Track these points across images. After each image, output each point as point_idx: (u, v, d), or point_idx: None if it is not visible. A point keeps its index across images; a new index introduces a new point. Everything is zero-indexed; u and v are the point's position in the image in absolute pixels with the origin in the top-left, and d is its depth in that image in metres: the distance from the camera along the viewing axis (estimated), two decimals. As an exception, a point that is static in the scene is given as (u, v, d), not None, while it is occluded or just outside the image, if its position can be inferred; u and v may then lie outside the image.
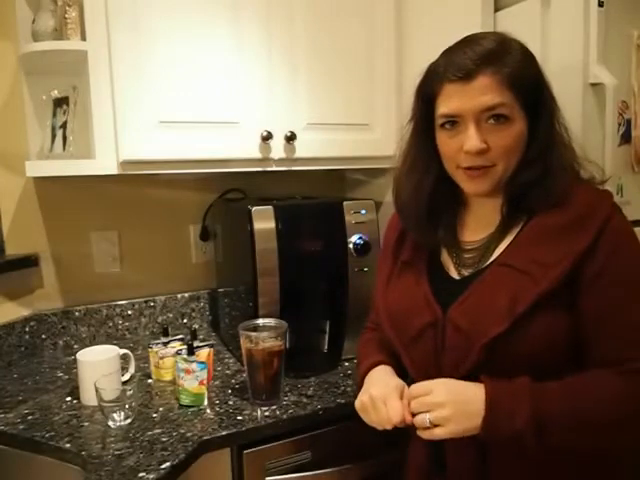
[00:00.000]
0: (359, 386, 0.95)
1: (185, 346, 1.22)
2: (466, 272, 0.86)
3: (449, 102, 0.80)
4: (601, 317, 0.76)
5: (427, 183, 0.89)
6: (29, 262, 1.45)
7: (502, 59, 0.78)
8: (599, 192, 0.81)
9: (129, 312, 1.60)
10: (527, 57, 0.81)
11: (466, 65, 0.78)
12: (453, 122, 0.81)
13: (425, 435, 0.77)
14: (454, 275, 0.88)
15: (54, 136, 1.34)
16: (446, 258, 0.91)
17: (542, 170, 0.80)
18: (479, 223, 0.89)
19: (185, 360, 1.13)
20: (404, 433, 0.96)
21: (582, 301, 0.76)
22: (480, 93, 0.77)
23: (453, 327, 0.81)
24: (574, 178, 0.81)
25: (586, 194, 0.79)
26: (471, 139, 0.78)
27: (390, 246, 0.98)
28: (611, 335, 0.76)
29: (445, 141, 0.84)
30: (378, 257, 1.07)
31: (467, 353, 0.78)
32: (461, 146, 0.80)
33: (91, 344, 1.31)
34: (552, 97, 0.83)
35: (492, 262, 0.83)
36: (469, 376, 0.78)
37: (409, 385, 0.85)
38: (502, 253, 0.83)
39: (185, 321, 1.67)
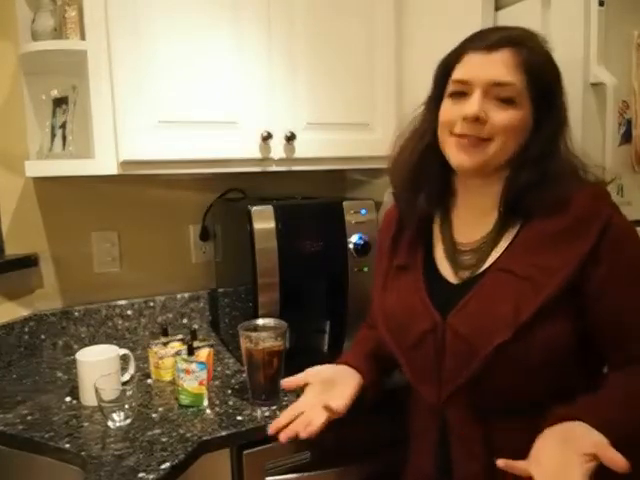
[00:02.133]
0: None
1: (185, 346, 1.22)
2: (463, 275, 0.85)
3: (465, 68, 0.82)
4: (621, 318, 0.76)
5: (419, 148, 0.90)
6: (29, 262, 1.45)
7: (527, 44, 0.80)
8: (597, 193, 0.80)
9: (129, 312, 1.59)
10: (549, 56, 0.83)
11: (491, 38, 0.80)
12: (462, 93, 0.82)
13: None
14: (451, 279, 0.87)
15: (54, 136, 1.33)
16: (441, 260, 0.90)
17: (540, 175, 0.79)
18: (475, 223, 0.88)
19: (185, 360, 1.13)
20: (404, 434, 0.96)
21: (596, 305, 0.76)
22: (496, 66, 0.79)
23: (453, 333, 0.80)
24: (573, 182, 0.80)
25: (584, 197, 0.78)
26: (472, 105, 0.79)
27: (384, 250, 0.98)
28: (635, 335, 0.76)
29: (448, 108, 0.84)
30: (375, 260, 1.07)
31: (469, 360, 0.78)
32: (460, 114, 0.80)
33: (91, 344, 1.31)
34: (563, 105, 0.83)
35: (490, 266, 0.82)
36: (469, 382, 0.78)
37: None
38: (500, 257, 0.82)
39: (185, 321, 1.67)
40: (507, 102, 0.79)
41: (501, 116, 0.79)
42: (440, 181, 0.90)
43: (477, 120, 0.79)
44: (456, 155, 0.83)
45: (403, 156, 0.93)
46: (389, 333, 0.90)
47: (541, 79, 0.80)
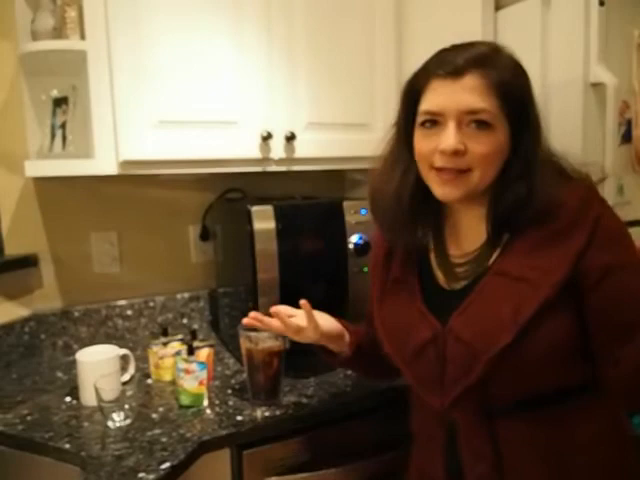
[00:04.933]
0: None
1: (185, 346, 1.22)
2: (458, 286, 0.85)
3: (433, 98, 0.79)
4: (606, 317, 0.75)
5: (405, 185, 0.86)
6: (29, 262, 1.45)
7: (493, 64, 0.77)
8: (585, 194, 0.78)
9: (128, 312, 1.59)
10: (518, 69, 0.80)
11: (456, 62, 0.77)
12: (433, 122, 0.79)
13: None
14: (447, 287, 0.86)
15: (54, 136, 1.33)
16: (437, 271, 0.89)
17: (524, 191, 0.77)
18: (466, 236, 0.87)
19: (185, 360, 1.13)
20: (405, 434, 0.96)
21: (586, 303, 0.75)
22: (466, 93, 0.76)
23: (454, 339, 0.80)
24: (560, 185, 0.79)
25: (573, 199, 0.77)
26: (449, 138, 0.76)
27: (379, 263, 0.96)
28: (617, 334, 0.75)
29: (422, 140, 0.81)
30: (369, 271, 1.04)
31: (471, 366, 0.77)
32: (437, 146, 0.77)
33: (90, 344, 1.31)
34: (537, 116, 0.80)
35: (485, 271, 0.81)
36: (473, 387, 0.78)
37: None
38: (495, 262, 0.81)
39: (185, 321, 1.67)
40: (483, 127, 0.76)
41: (480, 146, 0.76)
42: (430, 212, 0.88)
43: (456, 153, 0.76)
44: (439, 189, 0.81)
45: (385, 193, 0.89)
46: (391, 346, 0.89)
47: (514, 97, 0.77)
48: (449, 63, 0.77)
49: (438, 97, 0.78)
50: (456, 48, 0.80)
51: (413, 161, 0.85)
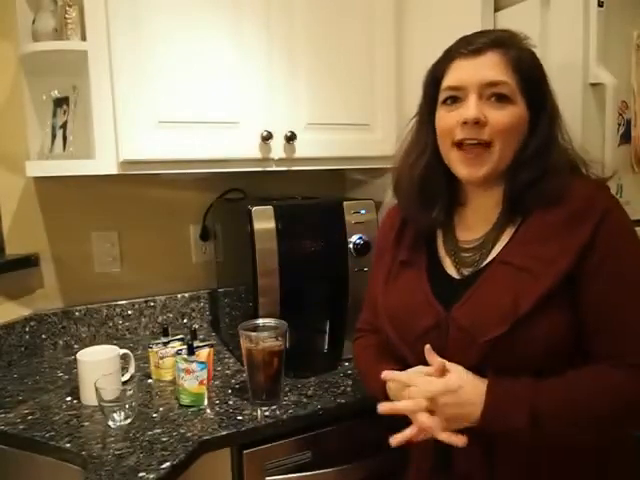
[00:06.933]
0: (378, 392, 0.90)
1: (185, 346, 1.22)
2: (466, 271, 0.86)
3: (455, 74, 0.83)
4: (601, 312, 0.76)
5: (423, 166, 0.90)
6: (29, 262, 1.45)
7: (512, 44, 0.82)
8: (597, 186, 0.81)
9: (129, 312, 1.60)
10: (535, 56, 0.85)
11: (477, 42, 0.82)
12: (455, 98, 0.83)
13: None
14: (454, 274, 0.88)
15: (54, 136, 1.34)
16: (444, 257, 0.91)
17: (540, 172, 0.80)
18: (476, 222, 0.89)
19: (185, 360, 1.13)
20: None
21: (583, 295, 0.76)
22: (487, 67, 0.80)
23: (457, 327, 0.81)
24: (572, 176, 0.82)
25: (584, 189, 0.79)
26: (470, 108, 0.80)
27: (387, 246, 0.98)
28: (612, 330, 0.76)
29: (443, 116, 0.85)
30: (373, 256, 1.07)
31: (469, 353, 0.78)
32: (458, 119, 0.81)
33: (91, 344, 1.31)
34: (554, 100, 0.84)
35: (492, 260, 0.83)
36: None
37: None
38: (502, 251, 0.83)
39: (185, 321, 1.67)
40: (503, 100, 0.80)
41: (500, 116, 0.80)
42: (448, 192, 0.91)
43: (477, 123, 0.79)
44: (463, 170, 0.84)
45: (406, 174, 0.93)
46: (393, 329, 0.90)
47: (531, 77, 0.82)
48: (470, 43, 0.82)
49: (459, 73, 0.83)
50: (477, 33, 0.86)
51: (432, 144, 0.88)
